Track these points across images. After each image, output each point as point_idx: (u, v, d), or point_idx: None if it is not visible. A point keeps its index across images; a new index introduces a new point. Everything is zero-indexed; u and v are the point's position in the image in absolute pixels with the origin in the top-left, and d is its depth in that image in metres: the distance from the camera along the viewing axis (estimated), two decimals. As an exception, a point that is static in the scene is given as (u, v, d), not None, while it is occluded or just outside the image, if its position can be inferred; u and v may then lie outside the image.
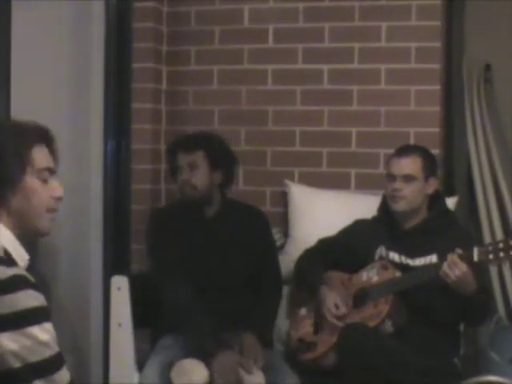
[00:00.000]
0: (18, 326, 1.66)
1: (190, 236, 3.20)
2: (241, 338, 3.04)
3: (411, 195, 3.07)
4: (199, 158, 3.17)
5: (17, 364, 1.66)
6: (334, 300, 3.11)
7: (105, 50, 3.47)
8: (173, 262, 3.15)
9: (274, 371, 2.97)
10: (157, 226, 3.31)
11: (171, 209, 3.39)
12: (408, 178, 3.07)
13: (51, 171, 1.90)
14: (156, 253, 3.27)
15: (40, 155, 1.87)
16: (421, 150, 3.15)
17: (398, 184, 3.06)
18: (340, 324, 3.07)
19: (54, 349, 1.72)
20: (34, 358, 1.68)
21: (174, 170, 3.25)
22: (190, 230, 3.21)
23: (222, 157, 3.22)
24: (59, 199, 1.91)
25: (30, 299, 1.69)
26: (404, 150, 3.13)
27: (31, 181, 1.84)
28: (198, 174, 3.17)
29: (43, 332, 1.70)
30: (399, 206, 3.08)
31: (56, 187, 1.90)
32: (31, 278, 1.75)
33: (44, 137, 1.91)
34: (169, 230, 3.23)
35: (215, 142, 3.26)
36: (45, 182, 1.87)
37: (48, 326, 1.72)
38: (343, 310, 3.10)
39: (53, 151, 1.92)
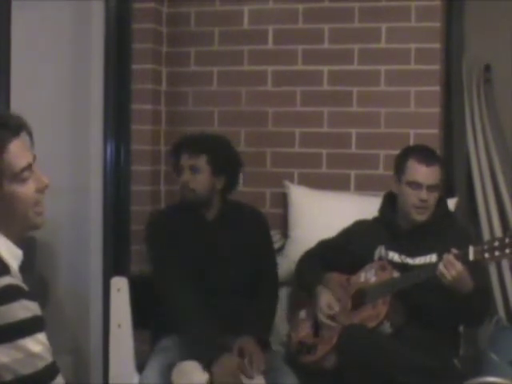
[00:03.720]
0: (9, 339, 1.65)
1: (189, 238, 3.18)
2: (240, 341, 3.03)
3: (434, 204, 3.06)
4: (202, 162, 3.12)
5: (9, 377, 1.64)
6: (327, 299, 3.10)
7: (105, 51, 3.48)
8: (173, 264, 3.12)
9: (274, 373, 2.96)
10: (155, 229, 3.27)
11: (170, 211, 3.36)
12: (433, 188, 3.04)
13: (31, 166, 1.80)
14: (156, 255, 3.22)
15: (16, 154, 1.77)
16: (440, 158, 3.16)
17: (426, 194, 3.02)
18: (333, 324, 3.06)
19: (48, 359, 1.70)
20: (26, 370, 1.66)
21: (177, 170, 3.22)
22: (189, 232, 3.19)
23: (225, 162, 3.16)
24: (46, 187, 1.83)
25: (22, 310, 1.67)
26: (431, 159, 3.06)
27: (9, 188, 1.76)
28: (199, 178, 3.13)
29: (36, 343, 1.68)
30: (423, 217, 3.05)
31: (40, 178, 1.82)
32: (24, 287, 1.72)
33: (16, 126, 1.80)
34: (167, 232, 3.20)
35: (221, 146, 3.20)
36: (25, 180, 1.78)
37: (41, 336, 1.70)
38: (336, 309, 3.08)
39: (28, 135, 1.81)
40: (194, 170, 3.13)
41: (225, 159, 3.17)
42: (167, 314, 3.07)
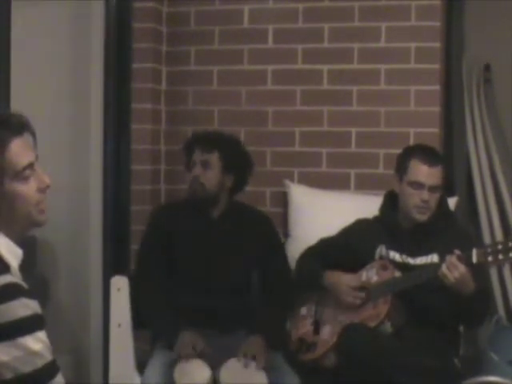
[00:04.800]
0: (9, 337, 1.65)
1: (193, 235, 3.19)
2: (246, 339, 3.03)
3: (435, 205, 3.06)
4: (214, 158, 3.15)
5: (9, 375, 1.65)
6: (347, 278, 3.08)
7: (105, 50, 3.48)
8: (155, 262, 3.16)
9: (275, 371, 2.95)
10: (154, 224, 3.28)
11: (176, 206, 3.36)
12: (435, 189, 3.03)
13: (32, 165, 1.81)
14: (138, 251, 3.27)
15: (18, 153, 1.77)
16: (442, 158, 3.15)
17: (428, 195, 3.01)
18: (358, 302, 3.04)
19: (47, 358, 1.71)
20: (26, 368, 1.66)
21: (189, 165, 3.23)
22: (194, 228, 3.20)
23: (236, 161, 3.20)
24: (47, 187, 1.83)
25: (22, 308, 1.67)
26: (434, 159, 3.04)
27: (10, 186, 1.77)
28: (210, 174, 3.15)
29: (36, 342, 1.68)
30: (424, 217, 3.04)
31: (41, 178, 1.82)
32: (24, 285, 1.73)
33: (19, 126, 1.80)
34: (169, 227, 3.21)
35: (233, 144, 3.24)
36: (27, 179, 1.79)
37: (41, 334, 1.70)
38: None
39: (31, 135, 1.82)
40: (205, 165, 3.15)
41: (236, 158, 3.21)
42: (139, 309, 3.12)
